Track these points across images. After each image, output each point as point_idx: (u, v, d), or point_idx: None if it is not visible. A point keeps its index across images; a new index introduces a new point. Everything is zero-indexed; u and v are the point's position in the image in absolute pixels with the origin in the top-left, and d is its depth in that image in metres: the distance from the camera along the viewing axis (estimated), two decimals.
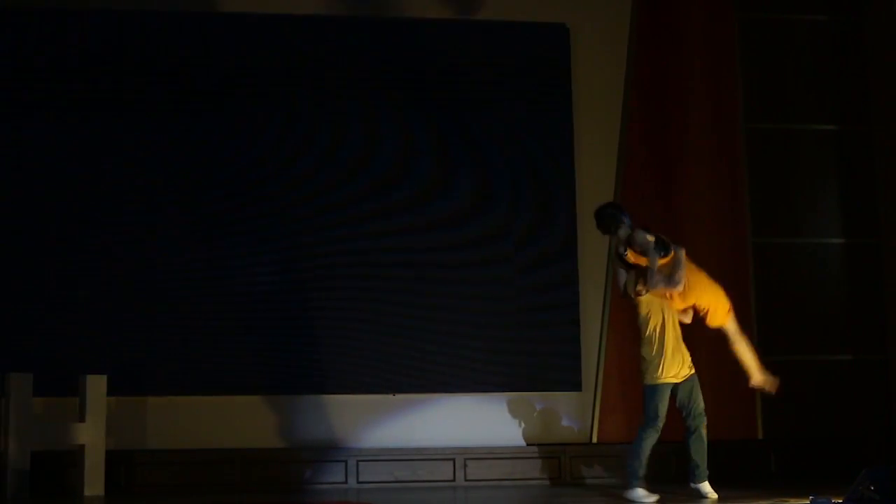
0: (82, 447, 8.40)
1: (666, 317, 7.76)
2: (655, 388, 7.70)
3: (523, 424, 9.37)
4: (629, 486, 7.74)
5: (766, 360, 9.70)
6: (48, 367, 8.72)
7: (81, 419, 8.45)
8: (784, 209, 10.08)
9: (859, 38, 10.31)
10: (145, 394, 9.03)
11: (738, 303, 9.68)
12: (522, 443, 9.33)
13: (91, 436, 8.41)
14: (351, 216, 9.48)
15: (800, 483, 8.39)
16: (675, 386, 7.73)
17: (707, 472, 7.77)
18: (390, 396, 9.31)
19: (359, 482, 9.03)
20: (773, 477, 9.34)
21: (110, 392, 8.56)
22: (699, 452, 7.75)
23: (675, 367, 7.72)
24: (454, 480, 9.17)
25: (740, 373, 9.63)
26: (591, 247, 9.56)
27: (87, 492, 8.34)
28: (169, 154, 9.36)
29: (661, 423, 7.71)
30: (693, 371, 7.81)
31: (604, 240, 9.64)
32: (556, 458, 9.29)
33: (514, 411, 9.40)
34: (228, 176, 9.39)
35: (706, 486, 7.77)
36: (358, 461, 9.08)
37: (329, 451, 9.10)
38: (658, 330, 7.73)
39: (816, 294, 9.96)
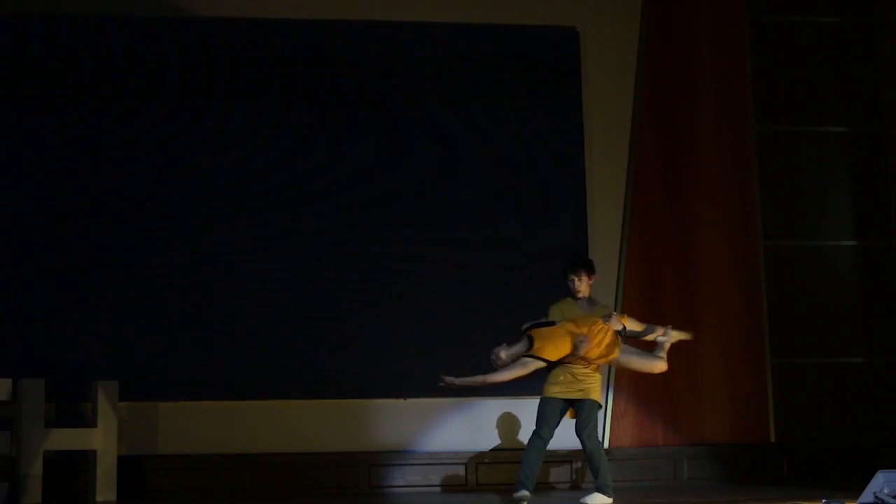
0: (94, 452, 8.41)
1: None
2: None
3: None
4: None
5: (779, 362, 9.76)
6: (60, 372, 8.74)
7: (93, 424, 8.46)
8: (795, 211, 10.06)
9: (870, 40, 10.29)
10: (157, 399, 9.05)
11: (749, 306, 9.76)
12: None
13: (103, 441, 8.42)
14: (361, 221, 9.48)
15: (813, 486, 8.35)
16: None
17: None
18: (402, 401, 9.31)
19: (370, 486, 9.03)
20: (786, 480, 9.31)
21: (122, 397, 8.56)
22: None
23: None
24: (466, 485, 9.15)
25: (748, 376, 9.69)
26: (601, 250, 9.53)
27: (99, 497, 8.33)
28: (179, 157, 9.38)
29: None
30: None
31: (614, 242, 9.65)
32: (568, 462, 9.27)
33: (526, 416, 9.36)
34: (239, 180, 9.41)
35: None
36: (370, 466, 9.07)
37: (341, 456, 9.09)
38: None
39: (829, 297, 9.93)
